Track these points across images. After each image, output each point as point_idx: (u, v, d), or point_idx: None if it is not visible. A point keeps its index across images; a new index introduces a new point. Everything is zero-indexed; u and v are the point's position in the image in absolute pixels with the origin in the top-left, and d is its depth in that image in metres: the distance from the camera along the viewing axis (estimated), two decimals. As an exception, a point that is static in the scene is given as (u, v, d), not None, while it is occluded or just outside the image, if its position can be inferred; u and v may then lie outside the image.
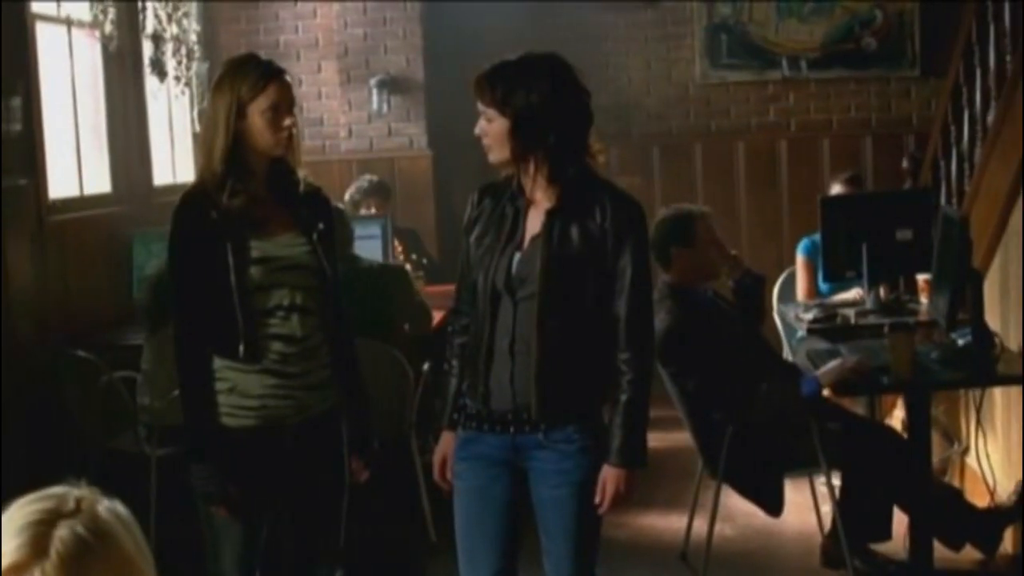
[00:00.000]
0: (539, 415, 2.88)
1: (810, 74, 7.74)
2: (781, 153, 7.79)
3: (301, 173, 3.17)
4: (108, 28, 5.96)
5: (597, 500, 2.89)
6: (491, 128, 2.89)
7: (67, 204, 5.56)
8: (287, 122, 3.05)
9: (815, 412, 4.18)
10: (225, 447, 3.02)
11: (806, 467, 4.39)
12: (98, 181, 6.14)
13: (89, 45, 6.05)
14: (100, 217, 5.82)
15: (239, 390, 3.04)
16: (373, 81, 7.48)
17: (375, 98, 7.50)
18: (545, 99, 2.86)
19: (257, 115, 3.03)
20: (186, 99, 7.13)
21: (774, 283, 6.17)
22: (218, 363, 3.04)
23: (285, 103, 3.07)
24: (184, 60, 6.90)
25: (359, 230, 5.40)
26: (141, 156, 6.55)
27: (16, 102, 4.55)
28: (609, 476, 2.89)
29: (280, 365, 3.04)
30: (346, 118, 7.67)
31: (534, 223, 2.93)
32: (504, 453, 2.95)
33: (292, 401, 3.07)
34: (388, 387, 4.67)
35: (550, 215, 2.91)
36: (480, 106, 2.91)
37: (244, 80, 3.04)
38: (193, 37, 7.06)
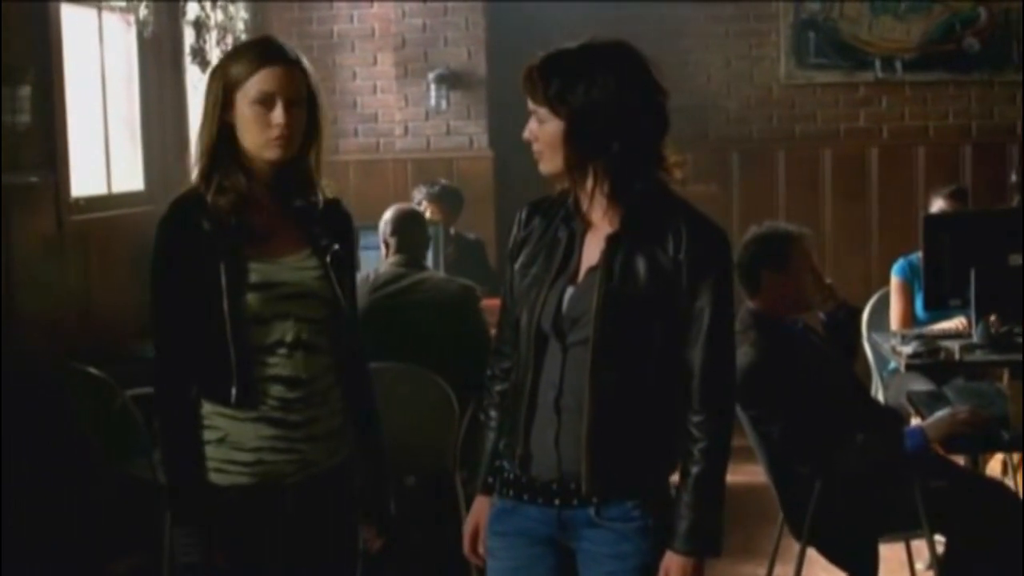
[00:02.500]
0: (590, 487, 2.34)
1: (905, 76, 7.22)
2: (871, 162, 7.25)
3: (322, 183, 2.66)
4: (143, 12, 5.51)
5: (658, 593, 2.36)
6: (543, 131, 2.36)
7: (92, 203, 5.15)
8: (279, 118, 2.50)
9: (918, 467, 3.61)
10: (213, 509, 2.51)
11: (905, 530, 3.82)
12: (129, 178, 5.70)
13: (122, 30, 5.62)
14: (129, 217, 5.37)
15: (231, 441, 2.53)
16: (431, 75, 6.99)
17: (433, 93, 7.01)
18: (609, 96, 2.32)
19: (244, 105, 2.51)
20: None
21: (863, 306, 5.61)
22: (207, 408, 2.54)
23: (282, 94, 2.51)
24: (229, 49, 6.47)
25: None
26: (179, 151, 6.10)
27: (25, 91, 4.11)
28: (674, 565, 2.35)
29: (280, 412, 2.53)
30: (402, 115, 7.18)
31: (592, 251, 2.40)
32: (548, 529, 2.42)
33: (294, 455, 2.55)
34: (430, 418, 4.17)
35: (611, 242, 2.37)
36: (531, 104, 2.38)
37: (237, 61, 2.53)
38: (240, 25, 6.61)
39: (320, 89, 2.61)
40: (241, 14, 6.63)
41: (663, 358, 2.36)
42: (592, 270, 2.37)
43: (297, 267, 2.57)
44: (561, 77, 2.33)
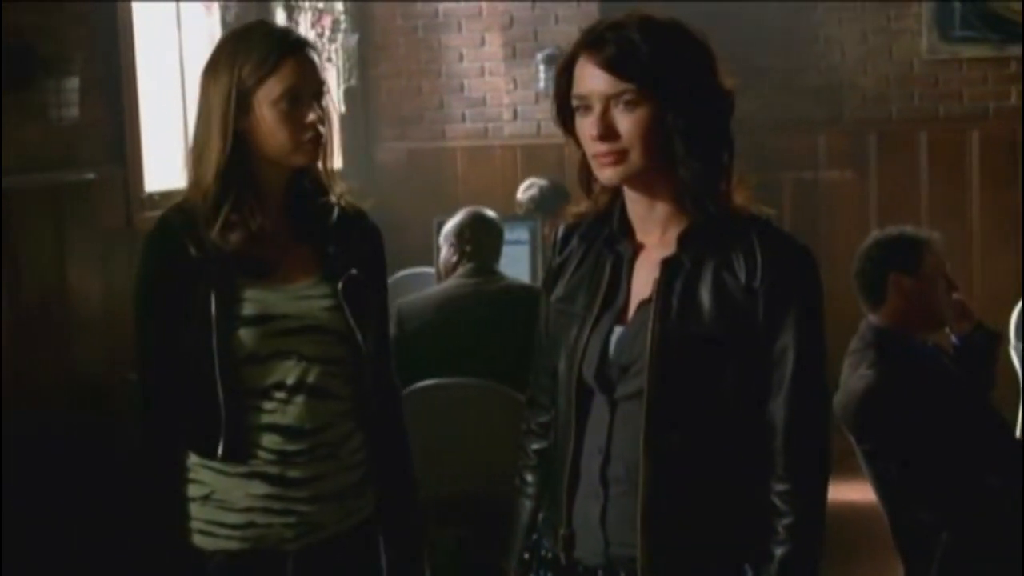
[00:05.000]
0: (647, 575, 1.90)
1: (1064, 50, 6.53)
2: (1024, 145, 6.57)
3: (337, 191, 2.26)
4: (225, -5, 5.22)
5: None
6: (631, 121, 1.85)
7: (169, 198, 4.85)
8: (311, 116, 2.15)
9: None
10: (197, 576, 2.15)
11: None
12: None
13: (204, 13, 5.32)
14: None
15: (217, 499, 2.16)
16: (540, 56, 6.55)
17: (543, 75, 6.56)
18: (688, 84, 1.87)
19: (266, 107, 2.14)
20: (331, 76, 6.38)
21: (1011, 309, 5.04)
22: (193, 459, 2.17)
23: (308, 89, 2.17)
24: (326, 31, 6.14)
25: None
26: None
27: (72, 83, 3.80)
28: None
29: (277, 467, 2.15)
30: (510, 98, 6.77)
31: (644, 280, 1.94)
32: (592, 622, 1.97)
33: (293, 518, 2.17)
34: (494, 435, 3.79)
35: (667, 268, 1.91)
36: (600, 86, 1.85)
37: (247, 57, 2.14)
38: (339, 5, 6.28)
39: (326, 75, 2.22)
40: (341, -8, 6.31)
41: (736, 414, 1.90)
42: (644, 304, 1.92)
43: (302, 296, 2.18)
44: (654, 46, 1.85)
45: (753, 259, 1.88)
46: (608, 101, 1.86)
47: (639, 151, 1.86)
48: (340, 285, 2.19)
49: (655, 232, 1.95)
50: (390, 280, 5.41)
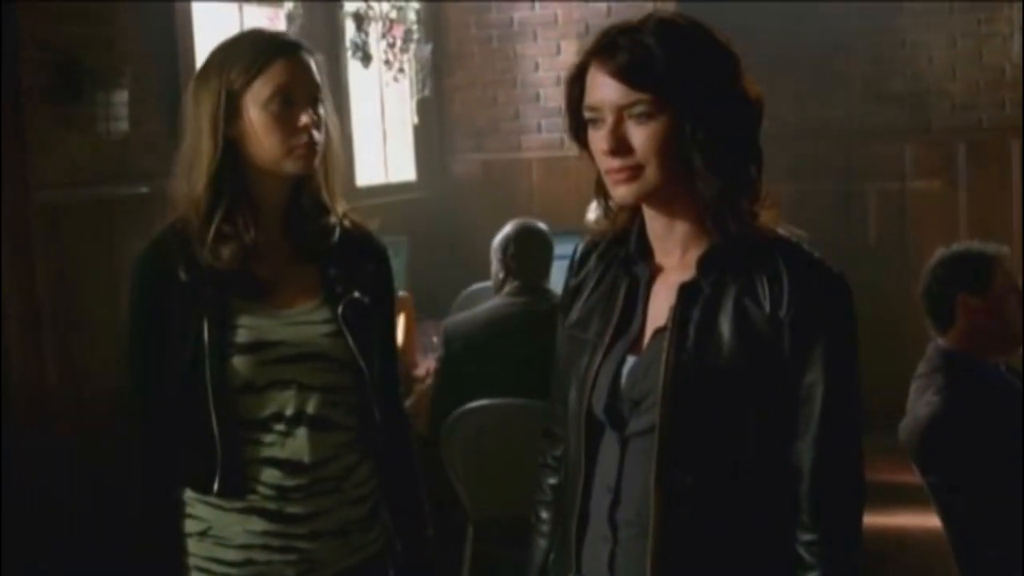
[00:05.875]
0: None
1: None
2: (1124, 153, 6.25)
3: (340, 209, 2.15)
4: (290, 4, 5.14)
5: None
6: (646, 133, 1.70)
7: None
8: (304, 119, 2.02)
9: None
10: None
11: None
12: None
13: (268, 24, 5.26)
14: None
15: (215, 535, 2.05)
16: (615, 65, 6.39)
17: (619, 85, 6.41)
18: (708, 92, 1.71)
19: (256, 109, 2.02)
20: (404, 87, 6.30)
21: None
22: (189, 493, 2.07)
23: (301, 91, 2.03)
24: (398, 41, 6.05)
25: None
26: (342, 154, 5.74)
27: (122, 97, 3.74)
28: None
29: (276, 503, 2.03)
30: (586, 108, 6.61)
31: (660, 306, 1.79)
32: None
33: (294, 555, 2.05)
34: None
35: (685, 293, 1.76)
36: (611, 96, 1.71)
37: (236, 60, 2.03)
38: (412, 15, 6.19)
39: (326, 83, 2.10)
40: (413, 3, 6.22)
41: (758, 455, 1.73)
42: (659, 333, 1.77)
43: (301, 321, 2.06)
44: (670, 52, 1.70)
45: (779, 285, 1.72)
46: (621, 112, 1.71)
47: (655, 166, 1.71)
48: (340, 309, 2.07)
49: (674, 253, 1.80)
50: (462, 294, 5.34)
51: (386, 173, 6.27)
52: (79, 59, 3.67)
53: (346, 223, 2.14)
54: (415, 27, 6.25)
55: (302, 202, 2.10)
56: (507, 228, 4.00)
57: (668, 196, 1.76)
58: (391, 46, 6.01)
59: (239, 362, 2.00)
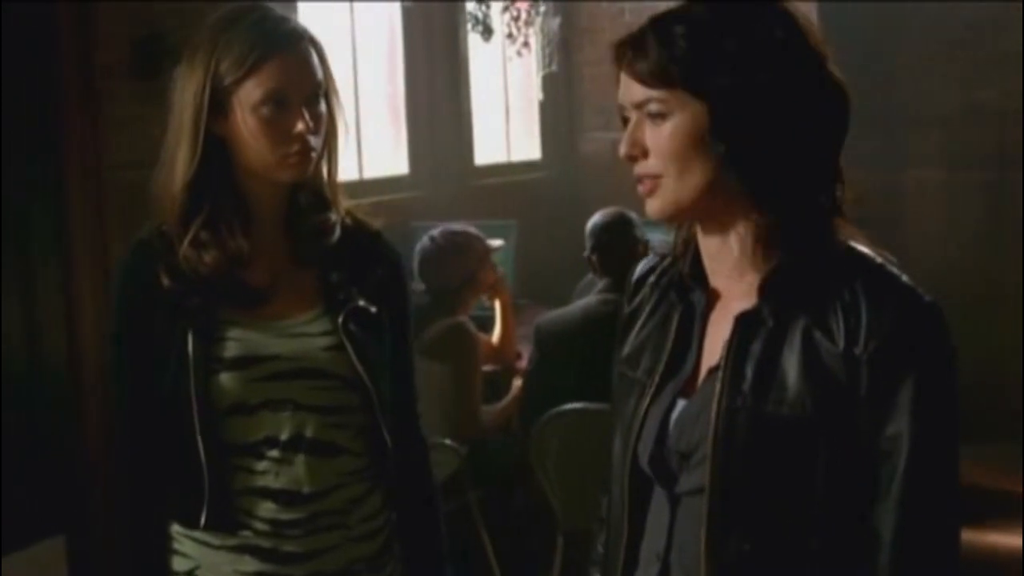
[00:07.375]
0: None
1: None
2: None
3: (342, 209, 1.90)
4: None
5: None
6: (656, 134, 1.44)
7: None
8: (299, 126, 1.78)
9: None
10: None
11: None
12: (392, 161, 5.16)
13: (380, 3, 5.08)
14: (389, 204, 4.81)
15: (204, 573, 1.83)
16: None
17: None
18: (754, 82, 1.40)
19: (246, 111, 1.78)
20: (529, 61, 6.04)
21: None
22: (176, 528, 1.85)
23: (297, 92, 1.79)
24: (522, 14, 5.79)
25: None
26: (459, 131, 5.52)
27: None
28: None
29: (271, 540, 1.80)
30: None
31: (717, 340, 1.48)
32: None
33: None
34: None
35: (742, 325, 1.45)
36: (627, 93, 1.46)
37: (227, 50, 1.79)
38: (538, -11, 5.93)
39: (331, 71, 1.85)
40: (540, -25, 5.95)
41: (828, 519, 1.42)
42: (713, 372, 1.47)
43: (297, 333, 1.82)
44: (697, 36, 1.41)
45: (856, 316, 1.40)
46: (640, 112, 1.45)
47: (673, 176, 1.43)
48: (340, 319, 1.82)
49: (732, 277, 1.49)
50: (580, 283, 5.07)
51: (508, 151, 6.03)
52: (161, 35, 3.52)
53: (348, 221, 1.89)
54: (541, 4, 5.99)
55: (300, 199, 1.86)
56: (597, 215, 3.71)
57: (712, 210, 1.46)
58: (515, 19, 5.76)
59: (227, 379, 1.77)
